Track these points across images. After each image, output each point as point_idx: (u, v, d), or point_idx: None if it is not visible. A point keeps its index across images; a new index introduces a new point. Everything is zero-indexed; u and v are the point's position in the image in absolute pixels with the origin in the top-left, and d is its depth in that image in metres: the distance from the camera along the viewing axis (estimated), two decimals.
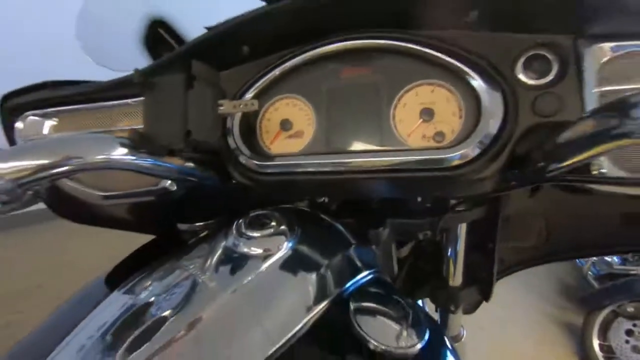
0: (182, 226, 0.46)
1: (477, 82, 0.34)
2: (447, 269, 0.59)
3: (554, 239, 0.54)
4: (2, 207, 0.29)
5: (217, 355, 0.28)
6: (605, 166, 0.31)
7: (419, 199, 0.50)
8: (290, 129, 0.41)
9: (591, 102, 0.31)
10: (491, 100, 0.33)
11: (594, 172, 0.32)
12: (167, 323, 0.29)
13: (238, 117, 0.42)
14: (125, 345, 0.28)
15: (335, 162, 0.37)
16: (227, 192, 0.46)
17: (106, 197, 0.47)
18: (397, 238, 0.53)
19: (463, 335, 0.72)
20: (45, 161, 0.28)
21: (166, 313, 0.30)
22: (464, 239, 0.56)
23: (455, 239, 0.56)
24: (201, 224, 0.46)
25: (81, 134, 0.43)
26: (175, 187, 0.45)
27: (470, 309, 0.70)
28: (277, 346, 0.29)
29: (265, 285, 0.32)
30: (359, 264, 0.39)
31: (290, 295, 0.32)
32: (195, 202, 0.48)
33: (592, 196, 0.34)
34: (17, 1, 2.40)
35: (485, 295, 0.60)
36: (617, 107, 0.23)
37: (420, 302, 0.73)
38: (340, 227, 0.43)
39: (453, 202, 0.50)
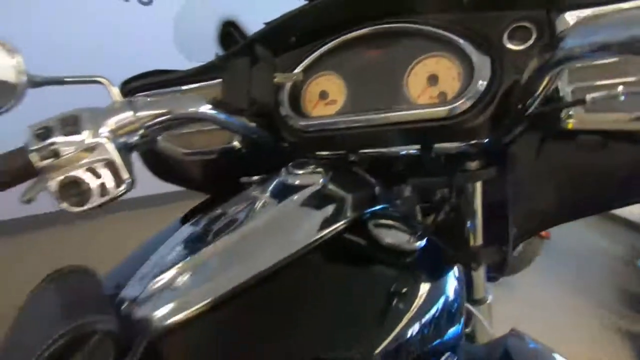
0: (244, 179, 0.60)
1: (472, 51, 0.43)
2: (466, 229, 0.66)
3: (564, 200, 0.59)
4: (136, 146, 0.43)
5: (268, 244, 0.39)
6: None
7: (435, 160, 0.58)
8: (326, 98, 0.53)
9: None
10: (481, 64, 0.43)
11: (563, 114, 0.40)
12: (232, 225, 0.41)
13: (287, 91, 0.55)
14: (206, 238, 0.40)
15: (361, 119, 0.48)
16: (278, 150, 0.59)
17: (188, 154, 0.62)
18: (418, 202, 0.61)
19: (488, 298, 0.77)
20: (162, 110, 0.43)
21: (233, 218, 0.43)
22: (480, 200, 0.63)
23: (472, 200, 0.64)
24: (257, 177, 0.59)
25: (183, 95, 0.58)
26: (240, 146, 0.59)
27: (495, 277, 0.75)
28: (310, 241, 0.40)
29: (304, 204, 0.44)
30: (378, 198, 0.49)
31: (322, 212, 0.43)
32: (254, 160, 0.61)
33: (592, 153, 0.42)
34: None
35: (504, 255, 0.66)
36: (553, 42, 0.32)
37: None
38: (364, 174, 0.54)
39: (468, 164, 0.58)
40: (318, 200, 0.44)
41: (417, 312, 0.39)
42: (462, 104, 0.43)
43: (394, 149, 0.54)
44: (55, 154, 0.36)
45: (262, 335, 0.34)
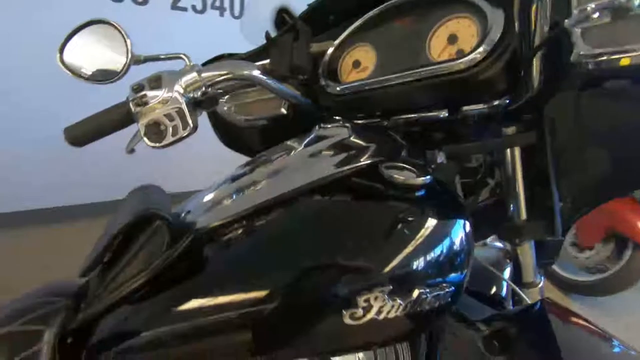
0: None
1: (486, 6, 0.46)
2: (509, 203, 0.64)
3: (618, 164, 0.54)
4: (202, 102, 0.54)
5: (293, 175, 0.47)
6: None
7: (468, 126, 0.59)
8: (359, 66, 0.59)
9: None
10: (495, 17, 0.45)
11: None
12: (268, 163, 0.51)
13: (325, 64, 0.62)
14: (247, 171, 0.50)
15: (386, 79, 0.53)
16: (319, 117, 0.66)
17: (247, 121, 0.74)
18: (457, 171, 0.62)
19: (539, 283, 0.72)
20: (220, 72, 0.54)
21: (270, 159, 0.52)
22: (520, 170, 0.60)
23: (512, 170, 0.60)
24: None
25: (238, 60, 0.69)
26: (286, 112, 0.68)
27: (548, 262, 0.70)
28: (327, 174, 0.46)
29: (328, 149, 0.51)
30: (400, 153, 0.53)
31: (342, 155, 0.49)
32: (300, 126, 0.70)
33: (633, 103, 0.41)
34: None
35: (550, 231, 0.62)
36: None
37: None
38: (396, 137, 0.58)
39: (504, 131, 0.57)
40: (340, 146, 0.50)
41: (423, 243, 0.42)
42: (478, 55, 0.45)
43: (423, 115, 0.57)
44: (145, 103, 0.49)
45: (284, 243, 0.43)
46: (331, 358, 0.49)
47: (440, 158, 0.61)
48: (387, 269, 0.41)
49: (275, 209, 0.44)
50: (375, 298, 0.40)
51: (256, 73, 0.56)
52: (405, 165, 0.47)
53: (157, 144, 0.50)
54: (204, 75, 0.53)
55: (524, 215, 0.63)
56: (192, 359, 0.39)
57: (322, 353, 0.43)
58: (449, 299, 0.43)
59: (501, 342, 0.45)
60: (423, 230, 0.43)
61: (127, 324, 0.39)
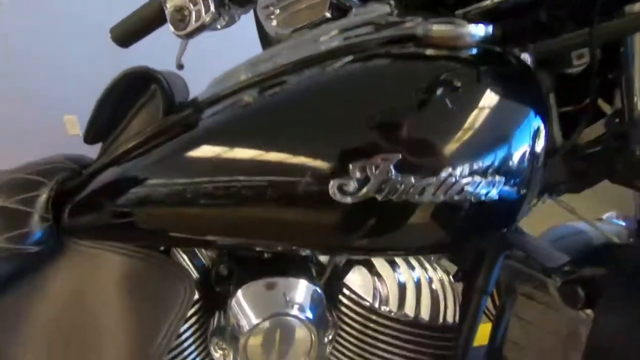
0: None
1: None
2: (631, 128, 0.38)
3: None
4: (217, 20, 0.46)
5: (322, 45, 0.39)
6: None
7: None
8: None
9: None
10: None
11: None
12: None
13: None
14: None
15: None
16: None
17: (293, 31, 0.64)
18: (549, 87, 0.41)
19: None
20: None
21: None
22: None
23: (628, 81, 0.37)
24: None
25: None
26: (330, 16, 0.57)
27: None
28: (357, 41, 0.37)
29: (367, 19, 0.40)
30: None
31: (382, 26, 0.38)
32: None
33: None
34: None
35: None
36: None
37: None
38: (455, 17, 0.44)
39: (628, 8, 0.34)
40: (379, 20, 0.39)
41: (465, 112, 0.33)
42: None
43: None
44: None
45: (300, 104, 0.36)
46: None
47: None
48: (399, 132, 0.32)
49: (294, 72, 0.37)
50: (375, 167, 0.31)
51: None
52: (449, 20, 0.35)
53: (182, 32, 0.45)
54: None
55: None
56: (179, 218, 0.38)
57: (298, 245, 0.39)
58: (498, 202, 0.33)
59: (588, 291, 0.34)
60: (467, 97, 0.33)
61: (119, 182, 0.38)
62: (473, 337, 0.44)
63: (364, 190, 0.31)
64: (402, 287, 0.43)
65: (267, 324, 0.41)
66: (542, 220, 0.52)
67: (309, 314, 0.41)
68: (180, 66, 0.55)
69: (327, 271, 0.45)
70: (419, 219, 0.34)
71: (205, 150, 0.36)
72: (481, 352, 0.48)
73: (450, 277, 0.46)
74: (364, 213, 0.33)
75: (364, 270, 0.44)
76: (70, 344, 0.38)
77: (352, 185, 0.31)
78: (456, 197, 0.32)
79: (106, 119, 0.41)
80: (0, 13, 1.62)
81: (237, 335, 0.41)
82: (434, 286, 0.45)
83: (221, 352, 0.44)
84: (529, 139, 0.34)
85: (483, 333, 0.47)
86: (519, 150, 0.34)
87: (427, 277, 0.45)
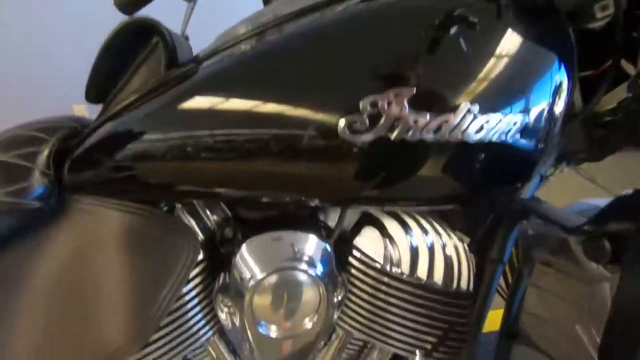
0: None
1: None
2: None
3: None
4: None
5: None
6: None
7: None
8: None
9: None
10: None
11: None
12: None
13: None
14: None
15: None
16: None
17: None
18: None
19: None
20: None
21: None
22: None
23: None
24: None
25: None
26: None
27: None
28: None
29: None
30: None
31: None
32: None
33: None
34: None
35: None
36: None
37: None
38: None
39: None
40: None
41: (484, 49, 0.31)
42: None
43: None
44: None
45: (306, 46, 0.34)
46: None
47: None
48: (413, 66, 0.30)
49: (295, 20, 0.35)
50: (388, 103, 0.29)
51: None
52: None
53: None
54: None
55: None
56: (179, 172, 0.36)
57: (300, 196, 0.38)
58: (516, 150, 0.32)
59: (613, 245, 0.31)
60: (486, 33, 0.31)
61: (116, 136, 0.36)
62: (488, 307, 0.41)
63: (376, 127, 0.29)
64: (414, 250, 0.42)
65: (273, 278, 0.38)
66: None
67: (319, 269, 0.39)
68: (185, 37, 0.54)
69: (335, 231, 0.43)
70: (434, 163, 0.32)
71: (202, 101, 0.34)
72: (491, 339, 0.46)
73: (465, 245, 0.45)
74: (375, 155, 0.32)
75: (375, 231, 0.42)
76: (70, 302, 0.37)
77: (362, 122, 0.30)
78: (474, 137, 0.30)
79: (106, 75, 0.40)
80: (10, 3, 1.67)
81: (242, 291, 0.39)
82: (447, 252, 0.43)
83: (227, 309, 0.41)
84: (550, 86, 0.33)
85: (494, 319, 0.44)
86: (540, 95, 0.32)
87: (441, 242, 0.43)
